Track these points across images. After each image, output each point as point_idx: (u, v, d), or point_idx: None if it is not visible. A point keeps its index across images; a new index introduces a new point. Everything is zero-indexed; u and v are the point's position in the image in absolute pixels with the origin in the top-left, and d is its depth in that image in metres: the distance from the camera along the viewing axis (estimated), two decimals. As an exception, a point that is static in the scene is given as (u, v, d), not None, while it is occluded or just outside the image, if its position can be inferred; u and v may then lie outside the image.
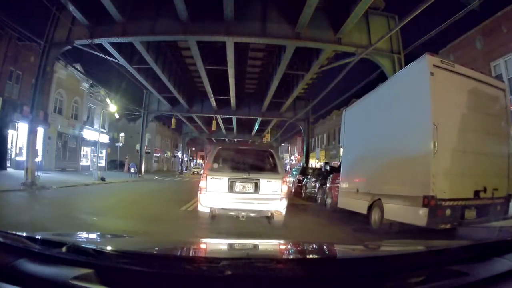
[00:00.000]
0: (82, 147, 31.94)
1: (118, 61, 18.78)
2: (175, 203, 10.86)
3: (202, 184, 6.78)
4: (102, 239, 2.18)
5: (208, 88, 22.24)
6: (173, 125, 29.08)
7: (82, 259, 1.29)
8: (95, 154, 34.14)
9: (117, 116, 29.47)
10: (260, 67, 22.44)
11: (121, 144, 38.13)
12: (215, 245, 2.32)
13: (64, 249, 1.35)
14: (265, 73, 22.89)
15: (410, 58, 14.56)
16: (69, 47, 16.11)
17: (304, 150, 30.76)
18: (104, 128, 35.11)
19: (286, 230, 7.05)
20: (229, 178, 6.73)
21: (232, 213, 6.88)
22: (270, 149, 7.73)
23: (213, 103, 26.49)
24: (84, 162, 32.11)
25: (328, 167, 13.66)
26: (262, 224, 7.40)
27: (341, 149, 11.04)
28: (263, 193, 6.76)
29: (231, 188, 6.72)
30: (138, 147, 30.64)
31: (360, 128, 9.18)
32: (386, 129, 7.56)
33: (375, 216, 7.57)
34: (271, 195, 6.78)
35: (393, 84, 8.05)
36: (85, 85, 31.21)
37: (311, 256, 1.96)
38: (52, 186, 15.18)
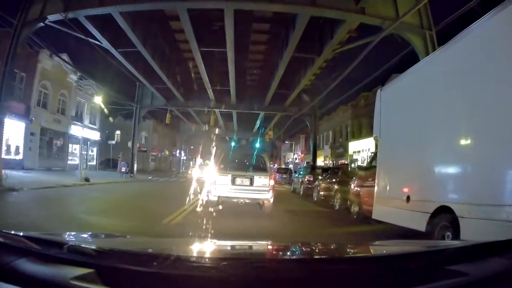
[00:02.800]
0: (70, 145, 29.47)
1: (101, 43, 16.37)
2: (160, 212, 8.58)
3: (212, 179, 9.16)
4: (102, 239, 2.14)
5: (205, 77, 19.75)
6: (167, 121, 26.53)
7: (82, 259, 1.27)
8: (85, 152, 31.88)
9: (105, 110, 27.01)
10: (263, 53, 19.98)
11: (114, 142, 35.83)
12: (215, 245, 2.20)
13: (64, 249, 1.33)
14: (269, 61, 20.41)
15: (442, 37, 12.54)
16: (42, 24, 14.04)
17: (311, 148, 28.30)
18: (95, 124, 32.68)
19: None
20: (231, 175, 9.14)
21: (234, 200, 9.26)
22: (261, 154, 10.66)
23: (211, 95, 23.93)
24: (72, 161, 29.64)
25: (355, 166, 11.23)
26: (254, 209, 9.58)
27: (376, 142, 8.54)
28: (256, 185, 9.10)
29: (233, 182, 9.09)
30: (140, 144, 28.46)
31: (411, 111, 6.63)
32: (469, 107, 5.00)
33: (441, 235, 5.11)
34: (262, 187, 9.13)
35: (476, 40, 5.19)
36: (73, 77, 28.80)
37: (311, 256, 1.92)
38: (23, 188, 13.10)
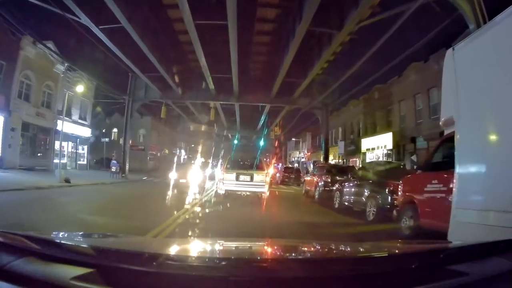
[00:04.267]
0: (57, 142, 26.85)
1: (80, 19, 13.82)
2: (142, 225, 6.35)
3: (220, 176, 11.77)
4: (102, 239, 2.11)
5: (202, 61, 17.09)
6: (162, 115, 23.92)
7: (82, 259, 1.27)
8: (74, 151, 29.34)
9: (93, 102, 24.45)
10: (270, 34, 17.32)
11: (107, 140, 33.30)
12: (215, 244, 2.18)
13: (64, 249, 1.35)
14: (277, 44, 17.77)
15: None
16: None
17: (323, 145, 25.60)
18: (86, 120, 30.08)
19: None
20: (236, 173, 11.59)
21: (238, 193, 11.79)
22: (260, 156, 14.70)
23: (211, 85, 21.21)
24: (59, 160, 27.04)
25: (412, 160, 8.70)
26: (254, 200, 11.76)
27: (445, 127, 5.96)
28: (255, 181, 11.54)
29: (237, 178, 11.53)
30: (134, 141, 25.85)
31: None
32: None
33: None
34: (260, 183, 11.55)
35: None
36: (60, 67, 26.26)
37: (311, 255, 1.93)
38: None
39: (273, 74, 20.06)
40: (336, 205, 11.18)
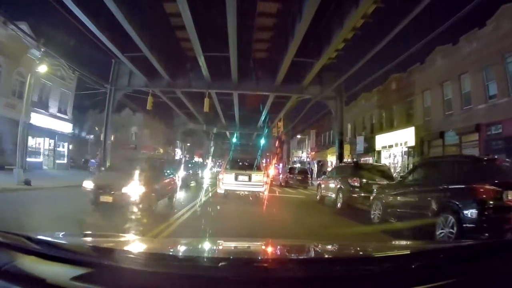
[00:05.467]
0: (31, 138, 23.62)
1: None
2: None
3: (220, 177, 11.76)
4: (102, 239, 2.06)
5: (194, 36, 13.82)
6: (148, 106, 20.60)
7: (82, 259, 1.27)
8: (52, 148, 26.06)
9: (70, 90, 21.19)
10: (275, 16, 14.15)
11: (91, 137, 30.11)
12: (215, 244, 2.21)
13: (64, 249, 1.34)
14: (285, 15, 14.53)
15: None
16: None
17: (337, 141, 22.41)
18: (66, 114, 26.81)
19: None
20: (235, 173, 11.66)
21: (237, 192, 11.84)
22: (258, 157, 13.83)
23: (204, 67, 17.69)
24: (34, 158, 23.81)
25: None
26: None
27: None
28: (253, 181, 11.56)
29: (236, 178, 11.57)
30: (126, 140, 22.60)
31: None
32: None
33: None
34: (258, 183, 11.57)
35: None
36: (36, 52, 23.08)
37: (311, 256, 1.91)
38: None
39: (280, 55, 16.75)
40: (376, 219, 7.95)
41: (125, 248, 1.62)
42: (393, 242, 2.59)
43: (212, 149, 57.94)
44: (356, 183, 10.04)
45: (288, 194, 16.85)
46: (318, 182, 14.75)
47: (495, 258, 1.42)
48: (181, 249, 1.92)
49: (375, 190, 8.88)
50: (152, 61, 17.12)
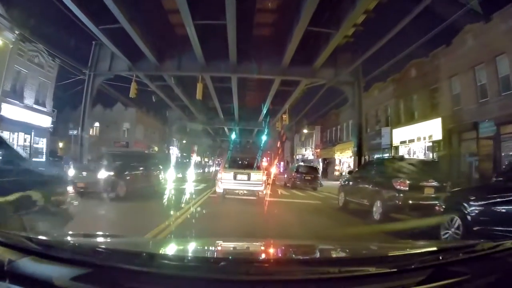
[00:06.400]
0: (2, 132, 20.73)
1: None
2: None
3: (219, 176, 11.56)
4: (102, 239, 2.07)
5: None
6: (132, 93, 17.73)
7: (82, 259, 1.26)
8: (28, 144, 23.15)
9: (50, 80, 18.26)
10: None
11: (75, 132, 27.14)
12: (215, 245, 2.16)
13: (64, 249, 1.33)
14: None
15: None
16: None
17: (357, 131, 19.50)
18: (45, 106, 23.94)
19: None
20: (234, 172, 11.47)
21: (236, 191, 11.54)
22: (256, 157, 13.38)
23: (195, 42, 14.54)
24: (6, 155, 20.88)
25: None
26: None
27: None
28: (252, 180, 11.34)
29: (234, 178, 11.40)
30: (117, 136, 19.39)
31: None
32: None
33: None
34: (256, 182, 11.34)
35: None
36: (9, 36, 20.24)
37: (311, 256, 1.88)
38: None
39: (289, 27, 13.76)
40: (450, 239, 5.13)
41: (125, 248, 1.60)
42: (392, 242, 2.47)
43: (196, 146, 55.21)
44: (403, 187, 7.21)
45: (297, 199, 14.04)
46: (340, 184, 11.92)
47: (495, 258, 1.42)
48: (181, 249, 1.91)
49: (431, 195, 6.10)
50: (133, 36, 14.19)
